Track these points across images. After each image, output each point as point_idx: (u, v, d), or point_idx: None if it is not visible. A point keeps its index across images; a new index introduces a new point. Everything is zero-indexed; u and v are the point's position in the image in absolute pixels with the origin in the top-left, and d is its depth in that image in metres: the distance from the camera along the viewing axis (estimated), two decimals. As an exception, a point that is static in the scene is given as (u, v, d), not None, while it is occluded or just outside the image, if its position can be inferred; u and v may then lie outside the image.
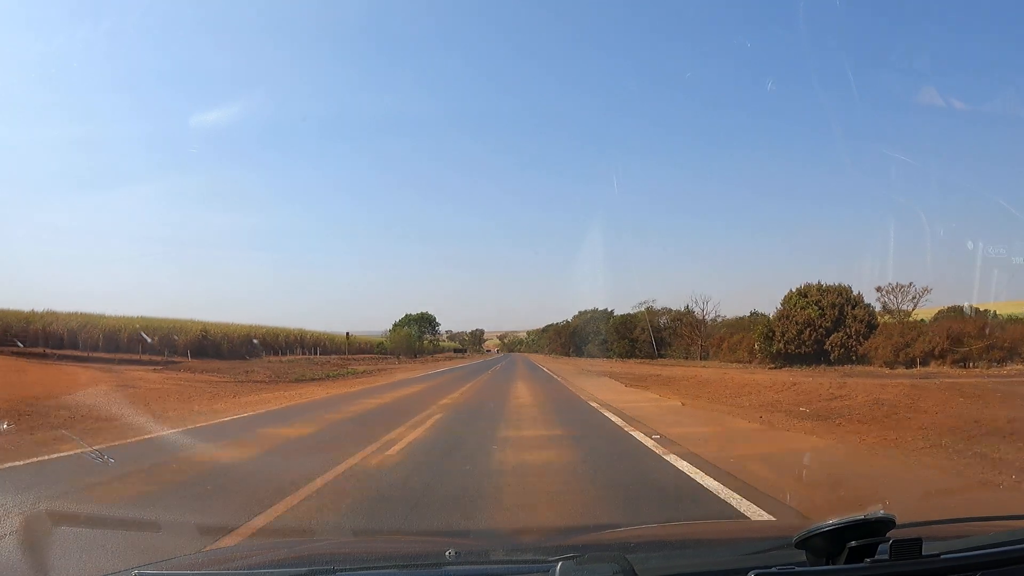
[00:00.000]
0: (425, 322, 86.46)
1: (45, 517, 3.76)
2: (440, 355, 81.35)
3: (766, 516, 3.85)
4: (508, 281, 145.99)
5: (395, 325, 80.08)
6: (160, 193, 76.63)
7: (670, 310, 59.03)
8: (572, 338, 73.41)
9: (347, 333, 62.60)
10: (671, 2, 56.28)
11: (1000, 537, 1.41)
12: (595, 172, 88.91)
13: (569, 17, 62.31)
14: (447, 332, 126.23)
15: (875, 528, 1.24)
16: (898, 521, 1.27)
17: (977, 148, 51.30)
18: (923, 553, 1.24)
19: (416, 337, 79.72)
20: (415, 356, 69.69)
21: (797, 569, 1.25)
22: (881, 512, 1.25)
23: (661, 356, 51.94)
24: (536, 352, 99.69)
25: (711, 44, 53.32)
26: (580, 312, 74.19)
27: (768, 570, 1.24)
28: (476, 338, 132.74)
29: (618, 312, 67.06)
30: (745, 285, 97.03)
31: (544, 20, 63.28)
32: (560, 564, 1.27)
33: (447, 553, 1.54)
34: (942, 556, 1.27)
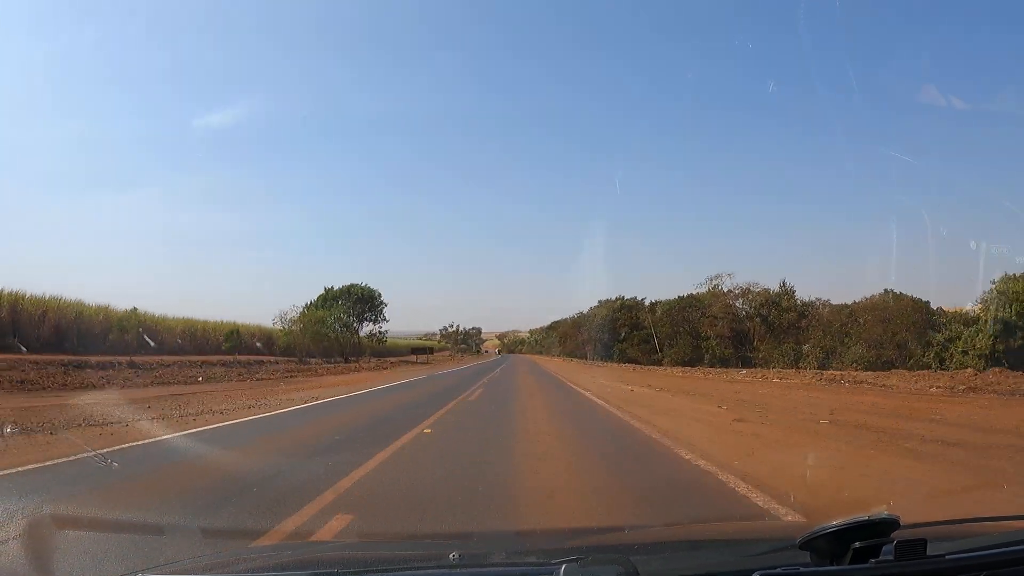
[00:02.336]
0: (359, 301, 52.32)
1: (49, 520, 3.75)
2: (390, 358, 53.71)
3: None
4: (507, 278, 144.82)
5: (308, 306, 48.14)
6: (159, 193, 76.09)
7: (749, 290, 39.14)
8: (597, 333, 50.10)
9: (133, 308, 32.01)
10: (673, 2, 56.47)
11: (1005, 537, 1.41)
12: (597, 165, 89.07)
13: (569, 17, 62.49)
14: (441, 330, 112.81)
15: (879, 529, 1.24)
16: (902, 522, 1.27)
17: (980, 147, 51.08)
18: (927, 554, 1.24)
19: (345, 326, 49.45)
20: (346, 359, 43.96)
21: (802, 570, 1.24)
22: (885, 513, 1.25)
23: (747, 361, 35.25)
24: (542, 354, 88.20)
25: (715, 44, 53.45)
26: (602, 301, 52.03)
27: (772, 571, 1.23)
28: (471, 337, 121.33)
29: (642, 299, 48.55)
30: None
31: (545, 19, 63.40)
32: (564, 566, 1.26)
33: (451, 556, 1.54)
34: (946, 556, 1.27)
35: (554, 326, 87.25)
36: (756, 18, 48.92)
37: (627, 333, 45.87)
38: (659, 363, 39.76)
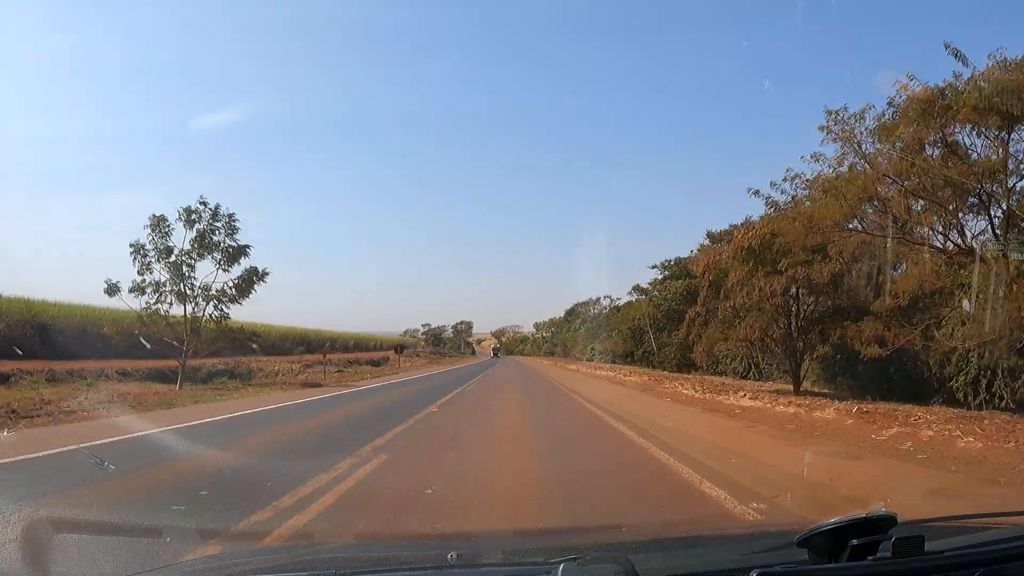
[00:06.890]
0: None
1: (46, 523, 3.74)
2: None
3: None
4: (506, 274, 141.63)
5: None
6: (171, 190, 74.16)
7: None
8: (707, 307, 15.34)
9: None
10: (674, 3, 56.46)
11: (1002, 534, 1.41)
12: (607, 150, 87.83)
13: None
14: (425, 328, 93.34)
15: (877, 526, 1.24)
16: (900, 519, 1.27)
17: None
18: (925, 551, 1.23)
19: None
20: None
21: (799, 568, 1.24)
22: (883, 510, 1.25)
23: None
24: (554, 355, 61.33)
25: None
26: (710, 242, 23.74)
27: (770, 569, 1.23)
28: (459, 333, 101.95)
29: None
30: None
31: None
32: (562, 566, 1.26)
33: (449, 556, 1.54)
34: (944, 553, 1.27)
35: (576, 313, 63.23)
36: (753, 17, 48.72)
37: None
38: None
